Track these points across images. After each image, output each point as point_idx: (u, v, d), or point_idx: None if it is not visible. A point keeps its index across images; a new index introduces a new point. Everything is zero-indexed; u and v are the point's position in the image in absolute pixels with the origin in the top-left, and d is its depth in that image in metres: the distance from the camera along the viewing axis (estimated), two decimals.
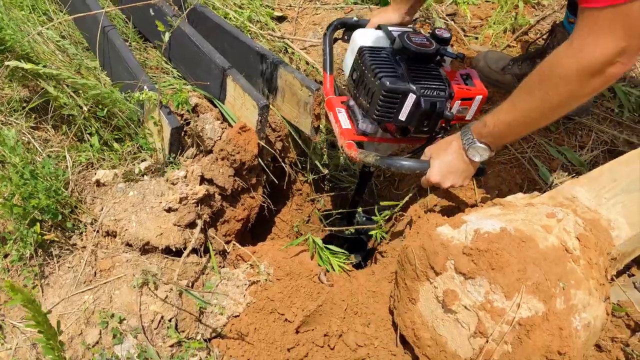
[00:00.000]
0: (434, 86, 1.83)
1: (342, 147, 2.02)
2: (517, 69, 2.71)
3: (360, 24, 2.17)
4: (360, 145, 2.06)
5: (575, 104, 1.51)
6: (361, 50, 1.92)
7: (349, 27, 2.21)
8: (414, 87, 1.79)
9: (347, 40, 2.18)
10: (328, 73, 2.16)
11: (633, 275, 2.32)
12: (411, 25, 2.14)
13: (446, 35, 1.96)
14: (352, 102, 2.06)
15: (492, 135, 1.68)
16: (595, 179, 2.00)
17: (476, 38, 3.06)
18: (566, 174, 2.47)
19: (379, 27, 2.07)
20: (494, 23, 3.05)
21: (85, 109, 2.09)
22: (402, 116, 1.84)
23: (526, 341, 1.44)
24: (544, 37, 2.64)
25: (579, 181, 2.01)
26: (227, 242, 2.21)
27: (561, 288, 1.48)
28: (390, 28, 2.00)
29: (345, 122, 2.06)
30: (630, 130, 2.67)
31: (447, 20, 2.98)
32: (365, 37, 2.03)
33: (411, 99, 1.79)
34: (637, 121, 2.67)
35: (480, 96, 1.96)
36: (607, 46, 1.31)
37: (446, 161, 1.81)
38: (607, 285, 1.65)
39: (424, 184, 1.91)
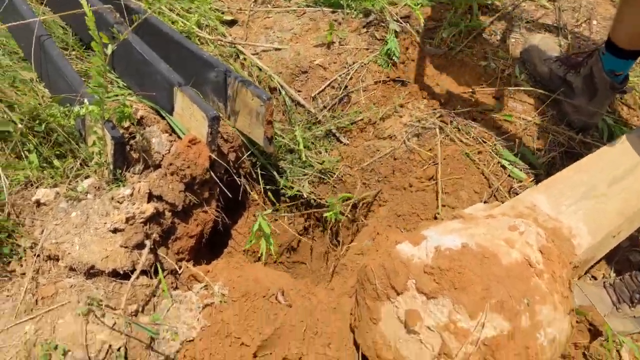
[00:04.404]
0: None
1: None
2: (555, 66, 2.77)
3: None
4: None
5: None
6: None
7: None
8: None
9: None
10: None
11: (594, 277, 2.32)
12: None
13: None
14: None
15: None
16: (555, 185, 1.98)
17: (432, 39, 3.01)
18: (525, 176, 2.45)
19: None
20: (449, 25, 3.01)
21: (20, 125, 1.95)
22: None
23: None
24: (585, 54, 2.69)
25: (538, 188, 1.98)
26: (180, 260, 2.10)
27: (526, 305, 1.44)
28: None
29: None
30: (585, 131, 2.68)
31: (401, 23, 2.93)
32: None
33: None
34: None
35: None
36: None
37: None
38: (570, 297, 1.61)
39: None
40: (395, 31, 2.87)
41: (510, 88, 2.81)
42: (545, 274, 1.53)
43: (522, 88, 2.81)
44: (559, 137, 2.62)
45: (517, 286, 1.45)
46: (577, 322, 1.99)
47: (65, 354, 1.66)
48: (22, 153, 2.03)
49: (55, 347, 1.66)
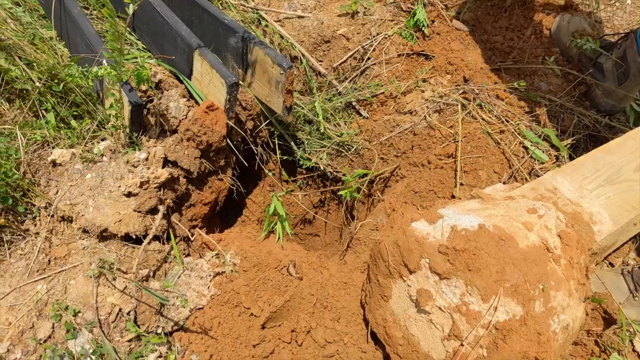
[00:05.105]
0: None
1: None
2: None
3: None
4: None
5: None
6: None
7: None
8: None
9: None
10: None
11: (612, 264, 2.27)
12: None
13: None
14: None
15: None
16: (578, 168, 1.92)
17: (459, 13, 2.93)
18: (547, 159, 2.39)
19: None
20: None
21: (38, 84, 1.93)
22: None
23: (502, 346, 1.37)
24: (620, 35, 2.62)
25: (561, 170, 1.93)
26: (193, 227, 2.09)
27: (540, 290, 1.41)
28: None
29: None
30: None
31: None
32: None
33: None
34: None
35: None
36: None
37: None
38: (587, 284, 1.58)
39: None
40: (423, 3, 2.80)
41: (537, 66, 2.73)
42: (563, 260, 1.49)
43: (549, 67, 2.73)
44: (585, 120, 2.55)
45: (532, 270, 1.41)
46: (591, 309, 1.96)
47: (75, 314, 1.67)
48: (40, 112, 2.02)
49: (66, 308, 1.67)
